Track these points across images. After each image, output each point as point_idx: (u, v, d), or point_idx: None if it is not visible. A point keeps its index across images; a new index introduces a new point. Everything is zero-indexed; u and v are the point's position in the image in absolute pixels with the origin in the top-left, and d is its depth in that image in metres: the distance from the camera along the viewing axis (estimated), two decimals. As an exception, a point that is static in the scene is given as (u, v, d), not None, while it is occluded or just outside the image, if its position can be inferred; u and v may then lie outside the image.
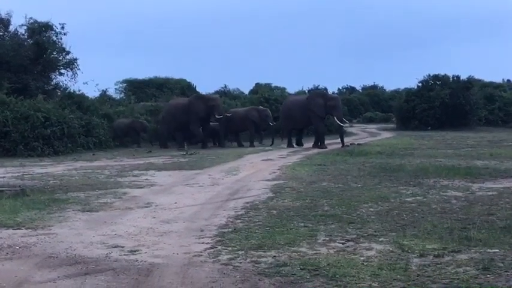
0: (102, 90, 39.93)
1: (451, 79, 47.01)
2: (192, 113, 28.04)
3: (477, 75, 52.73)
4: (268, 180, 13.80)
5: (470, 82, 47.39)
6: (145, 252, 6.87)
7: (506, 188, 11.51)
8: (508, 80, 67.58)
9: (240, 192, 11.87)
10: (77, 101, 29.54)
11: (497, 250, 6.58)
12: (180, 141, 28.46)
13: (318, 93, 29.03)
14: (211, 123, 29.34)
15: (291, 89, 54.48)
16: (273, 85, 56.64)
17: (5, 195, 11.17)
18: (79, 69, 33.05)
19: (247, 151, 24.54)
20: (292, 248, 6.85)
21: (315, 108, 25.72)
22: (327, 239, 7.37)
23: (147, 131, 30.82)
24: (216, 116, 28.29)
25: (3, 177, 15.27)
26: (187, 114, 28.09)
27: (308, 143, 27.22)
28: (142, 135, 30.69)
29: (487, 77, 57.05)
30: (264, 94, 41.11)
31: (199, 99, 29.16)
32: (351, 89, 74.14)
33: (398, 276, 5.64)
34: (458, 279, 5.55)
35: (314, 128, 27.46)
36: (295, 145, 27.25)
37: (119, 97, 45.87)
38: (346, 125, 28.61)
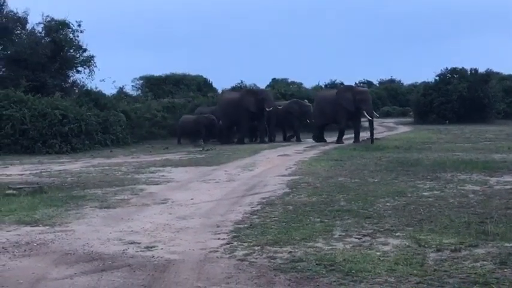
0: (119, 87, 40.17)
1: (469, 72, 46.60)
2: (242, 108, 27.51)
3: (495, 68, 52.25)
4: (284, 175, 13.78)
5: (489, 75, 46.96)
6: (162, 249, 6.89)
7: (524, 182, 11.40)
8: (527, 73, 66.76)
9: (256, 188, 11.87)
10: (94, 98, 29.71)
11: (515, 244, 6.52)
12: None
13: (346, 88, 28.02)
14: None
15: (308, 84, 54.36)
16: (289, 80, 56.57)
17: (23, 193, 11.27)
18: (96, 66, 33.21)
19: (264, 146, 24.53)
20: (308, 244, 6.84)
21: (344, 103, 25.14)
22: (343, 234, 7.35)
23: (215, 127, 29.64)
24: (267, 109, 27.48)
25: (22, 174, 15.43)
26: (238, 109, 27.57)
27: (331, 138, 27.04)
28: (205, 132, 29.45)
29: (505, 70, 56.48)
30: (281, 89, 41.05)
31: (249, 93, 28.84)
32: (368, 83, 73.67)
33: (414, 271, 5.61)
34: (475, 273, 5.50)
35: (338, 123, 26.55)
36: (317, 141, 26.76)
37: (135, 94, 46.08)
38: (376, 118, 27.83)
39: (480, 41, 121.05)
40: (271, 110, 27.68)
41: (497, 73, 52.68)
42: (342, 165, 15.72)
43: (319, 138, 27.03)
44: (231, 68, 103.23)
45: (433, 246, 6.55)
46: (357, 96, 25.15)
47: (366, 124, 27.45)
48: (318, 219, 8.26)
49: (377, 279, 5.45)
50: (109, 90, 37.10)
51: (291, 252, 6.49)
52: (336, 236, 7.24)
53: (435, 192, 10.51)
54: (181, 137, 29.56)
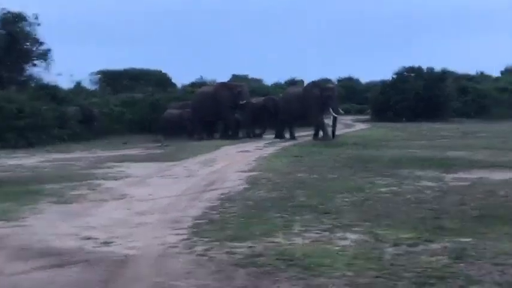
0: (77, 82, 39.63)
1: (425, 71, 47.40)
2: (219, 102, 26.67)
3: (451, 68, 53.17)
4: (244, 171, 13.79)
5: (444, 74, 47.82)
6: (120, 244, 6.83)
7: (478, 179, 11.63)
8: (481, 72, 68.12)
9: (215, 184, 11.85)
10: (51, 92, 29.27)
11: (469, 239, 6.64)
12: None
13: (314, 84, 26.93)
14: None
15: (268, 80, 54.51)
16: (249, 77, 56.59)
17: (-23, 188, 11.04)
18: (53, 60, 32.74)
19: (225, 142, 24.50)
20: (268, 239, 6.85)
21: (312, 100, 24.69)
22: (302, 229, 7.39)
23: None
24: (240, 102, 26.72)
25: (-24, 169, 15.10)
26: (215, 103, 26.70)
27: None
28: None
29: (460, 69, 57.38)
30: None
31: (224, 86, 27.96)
32: (327, 81, 74.31)
33: (372, 266, 5.68)
34: (431, 268, 5.59)
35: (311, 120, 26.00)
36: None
37: (93, 88, 45.54)
38: (341, 115, 27.21)
39: (437, 40, 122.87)
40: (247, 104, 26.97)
41: (453, 72, 53.60)
42: (301, 161, 15.81)
43: (282, 136, 26.64)
44: (191, 63, 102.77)
45: (390, 241, 6.63)
46: (323, 93, 24.86)
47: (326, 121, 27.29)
48: (278, 215, 8.29)
49: (335, 273, 5.49)
50: (66, 84, 36.50)
51: (250, 247, 6.49)
52: (295, 231, 7.27)
53: (392, 188, 10.65)
54: (165, 132, 29.00)
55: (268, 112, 27.53)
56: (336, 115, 25.08)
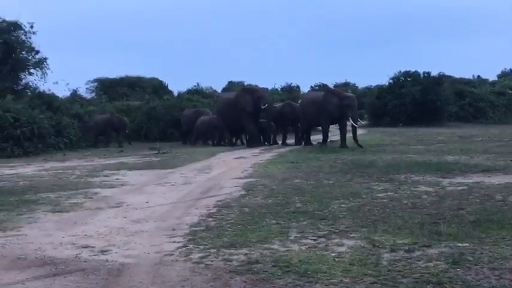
0: (73, 90, 39.67)
1: (422, 75, 47.40)
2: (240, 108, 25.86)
3: (448, 72, 53.33)
4: (240, 178, 13.78)
5: (441, 78, 47.87)
6: (116, 252, 6.81)
7: (475, 183, 11.62)
8: (478, 76, 68.30)
9: (212, 191, 11.83)
10: (47, 101, 29.18)
11: (467, 244, 6.64)
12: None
13: (333, 92, 26.26)
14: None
15: (264, 86, 54.42)
16: (246, 83, 56.63)
17: (-27, 197, 10.99)
18: (49, 68, 32.78)
19: (221, 149, 24.47)
20: (264, 246, 6.84)
21: (330, 107, 23.75)
22: (299, 235, 7.38)
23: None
24: (262, 107, 25.52)
25: (-28, 178, 15.04)
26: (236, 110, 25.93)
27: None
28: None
29: (457, 74, 57.54)
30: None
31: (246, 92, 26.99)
32: (324, 86, 74.29)
33: (369, 272, 5.67)
34: (428, 273, 5.59)
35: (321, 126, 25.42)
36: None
37: (90, 96, 45.53)
38: (360, 124, 25.87)
39: (433, 44, 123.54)
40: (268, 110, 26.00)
41: (449, 76, 53.76)
42: (297, 167, 15.79)
43: (303, 141, 26.04)
44: (187, 70, 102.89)
45: (387, 246, 6.63)
46: (343, 102, 23.63)
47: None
48: (274, 221, 8.28)
49: (332, 279, 5.48)
50: (62, 92, 36.52)
51: (247, 254, 6.48)
52: (291, 238, 7.26)
53: (389, 193, 10.64)
54: (197, 138, 29.22)
55: (286, 118, 26.86)
56: (356, 125, 23.98)
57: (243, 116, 26.01)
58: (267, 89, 29.52)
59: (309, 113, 25.11)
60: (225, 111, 27.01)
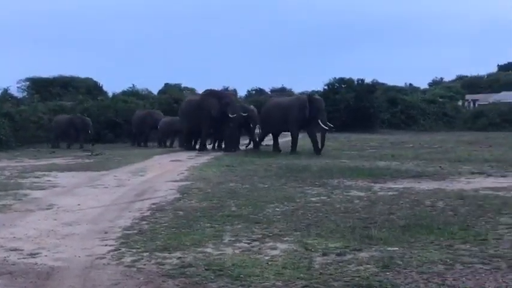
0: (4, 89, 38.58)
1: (356, 82, 48.36)
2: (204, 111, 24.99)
3: (381, 79, 54.57)
4: (175, 181, 13.69)
5: (374, 86, 49.01)
6: (46, 255, 6.65)
7: (406, 188, 11.90)
8: (410, 84, 70.23)
9: (146, 194, 11.71)
10: (-24, 99, 28.33)
11: (396, 248, 6.78)
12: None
13: (301, 95, 26.32)
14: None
15: (201, 89, 54.22)
16: (182, 85, 56.37)
17: None
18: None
19: (158, 151, 24.24)
20: (198, 249, 6.82)
21: (297, 111, 23.80)
22: (233, 239, 7.39)
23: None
24: (230, 115, 24.42)
25: None
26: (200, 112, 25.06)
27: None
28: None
29: (390, 81, 59.04)
30: (174, 95, 40.81)
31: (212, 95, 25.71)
32: (260, 91, 74.71)
33: (301, 275, 5.72)
34: (359, 276, 5.68)
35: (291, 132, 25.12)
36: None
37: (21, 96, 44.37)
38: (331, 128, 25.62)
39: (367, 52, 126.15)
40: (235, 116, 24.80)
41: (383, 84, 55.05)
42: (233, 170, 15.82)
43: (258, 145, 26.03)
44: (123, 71, 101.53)
45: (320, 250, 6.71)
46: (312, 104, 23.95)
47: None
48: (208, 225, 8.26)
49: (265, 283, 5.51)
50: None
51: (180, 258, 6.44)
52: (225, 241, 7.26)
53: (322, 197, 10.78)
54: (161, 140, 29.12)
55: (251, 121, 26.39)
56: (326, 128, 24.22)
57: (204, 118, 24.97)
58: (235, 92, 28.79)
59: (275, 117, 24.71)
60: (189, 112, 26.07)
